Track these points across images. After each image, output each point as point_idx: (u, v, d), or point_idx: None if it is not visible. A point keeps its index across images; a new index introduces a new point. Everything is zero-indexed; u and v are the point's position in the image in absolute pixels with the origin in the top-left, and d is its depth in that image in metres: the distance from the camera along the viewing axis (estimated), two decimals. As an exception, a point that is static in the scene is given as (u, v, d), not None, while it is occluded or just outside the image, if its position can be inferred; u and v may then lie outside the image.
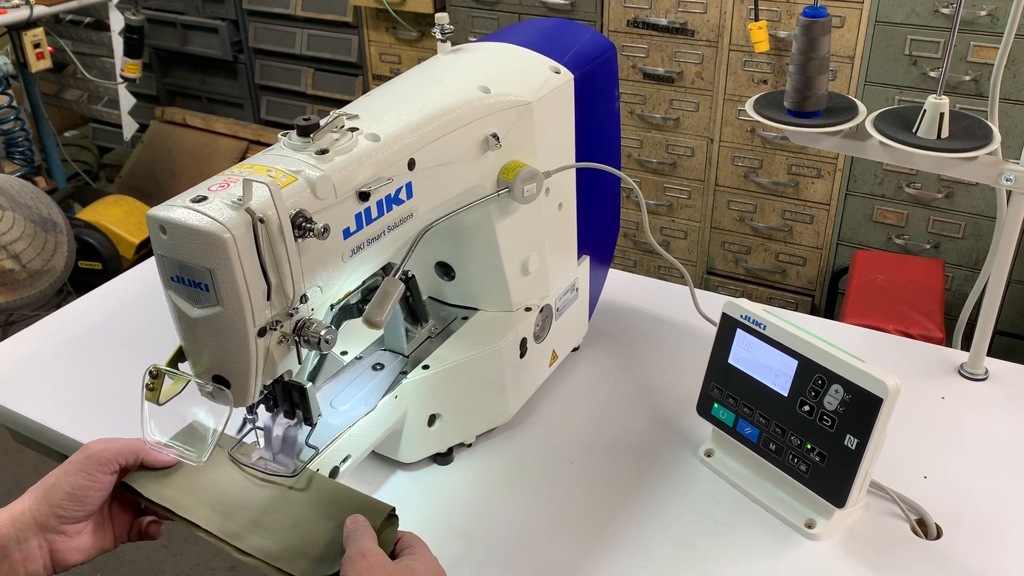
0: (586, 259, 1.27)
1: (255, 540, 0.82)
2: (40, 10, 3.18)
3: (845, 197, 2.65)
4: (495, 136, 1.00)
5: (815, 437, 0.97)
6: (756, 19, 2.49)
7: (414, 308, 1.08)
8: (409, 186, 0.92)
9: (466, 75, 1.04)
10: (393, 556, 0.79)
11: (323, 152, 0.84)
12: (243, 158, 3.39)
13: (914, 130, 1.13)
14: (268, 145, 1.26)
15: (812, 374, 0.96)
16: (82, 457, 0.83)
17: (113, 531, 0.87)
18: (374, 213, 0.88)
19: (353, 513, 0.82)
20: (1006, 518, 1.02)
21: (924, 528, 1.01)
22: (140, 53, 3.56)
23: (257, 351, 0.80)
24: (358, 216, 0.86)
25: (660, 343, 1.34)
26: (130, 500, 0.88)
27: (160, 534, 0.90)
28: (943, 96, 1.11)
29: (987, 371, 1.25)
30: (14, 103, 3.28)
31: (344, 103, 1.31)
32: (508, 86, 1.04)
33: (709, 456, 1.11)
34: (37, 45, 3.23)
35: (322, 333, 0.83)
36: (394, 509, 0.83)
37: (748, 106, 1.24)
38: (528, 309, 1.15)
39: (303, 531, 0.83)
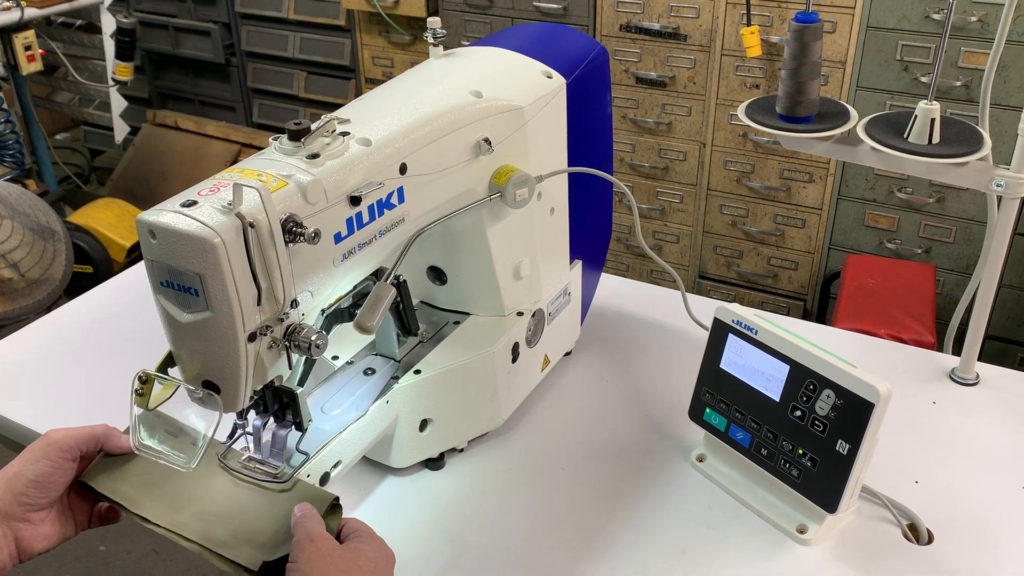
0: (578, 263, 1.27)
1: (200, 527, 0.82)
2: (31, 12, 3.17)
3: (837, 202, 2.66)
4: (487, 141, 1.00)
5: (807, 442, 0.97)
6: (748, 24, 2.49)
7: (405, 313, 1.08)
8: (401, 191, 0.92)
9: (458, 80, 1.04)
10: (340, 541, 0.80)
11: (314, 156, 0.84)
12: (235, 161, 3.39)
13: (905, 135, 1.13)
14: (260, 148, 1.26)
15: (804, 379, 0.96)
16: (43, 445, 0.83)
17: (74, 518, 0.87)
18: (365, 218, 0.88)
19: (297, 501, 0.82)
20: (997, 523, 1.02)
21: (915, 533, 1.01)
22: (132, 56, 3.56)
23: (247, 356, 0.80)
24: (349, 221, 0.86)
25: (652, 348, 1.34)
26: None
27: (122, 517, 0.90)
28: (934, 102, 1.11)
29: (978, 376, 1.25)
30: (4, 105, 3.26)
31: (337, 106, 1.30)
32: (500, 91, 1.04)
33: (701, 461, 1.11)
34: (28, 47, 3.22)
35: (313, 338, 0.83)
36: (337, 498, 0.83)
37: (740, 111, 1.24)
38: (520, 314, 1.15)
39: (247, 519, 0.83)
